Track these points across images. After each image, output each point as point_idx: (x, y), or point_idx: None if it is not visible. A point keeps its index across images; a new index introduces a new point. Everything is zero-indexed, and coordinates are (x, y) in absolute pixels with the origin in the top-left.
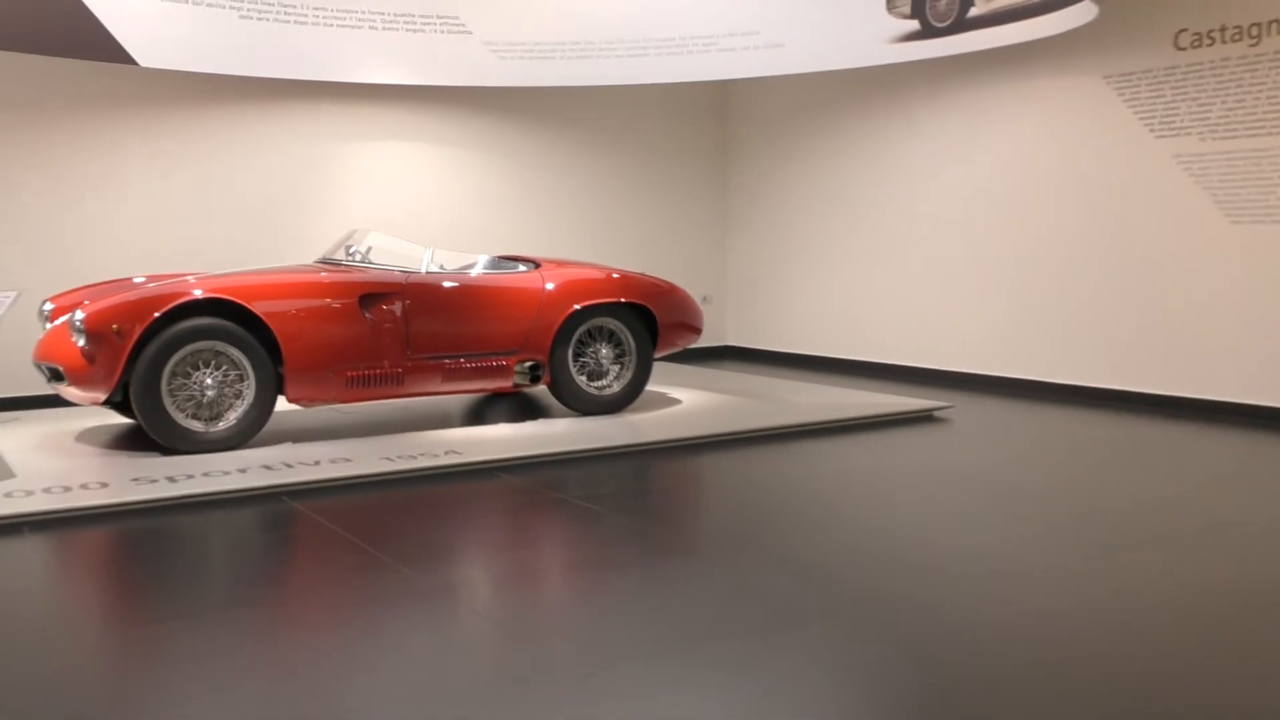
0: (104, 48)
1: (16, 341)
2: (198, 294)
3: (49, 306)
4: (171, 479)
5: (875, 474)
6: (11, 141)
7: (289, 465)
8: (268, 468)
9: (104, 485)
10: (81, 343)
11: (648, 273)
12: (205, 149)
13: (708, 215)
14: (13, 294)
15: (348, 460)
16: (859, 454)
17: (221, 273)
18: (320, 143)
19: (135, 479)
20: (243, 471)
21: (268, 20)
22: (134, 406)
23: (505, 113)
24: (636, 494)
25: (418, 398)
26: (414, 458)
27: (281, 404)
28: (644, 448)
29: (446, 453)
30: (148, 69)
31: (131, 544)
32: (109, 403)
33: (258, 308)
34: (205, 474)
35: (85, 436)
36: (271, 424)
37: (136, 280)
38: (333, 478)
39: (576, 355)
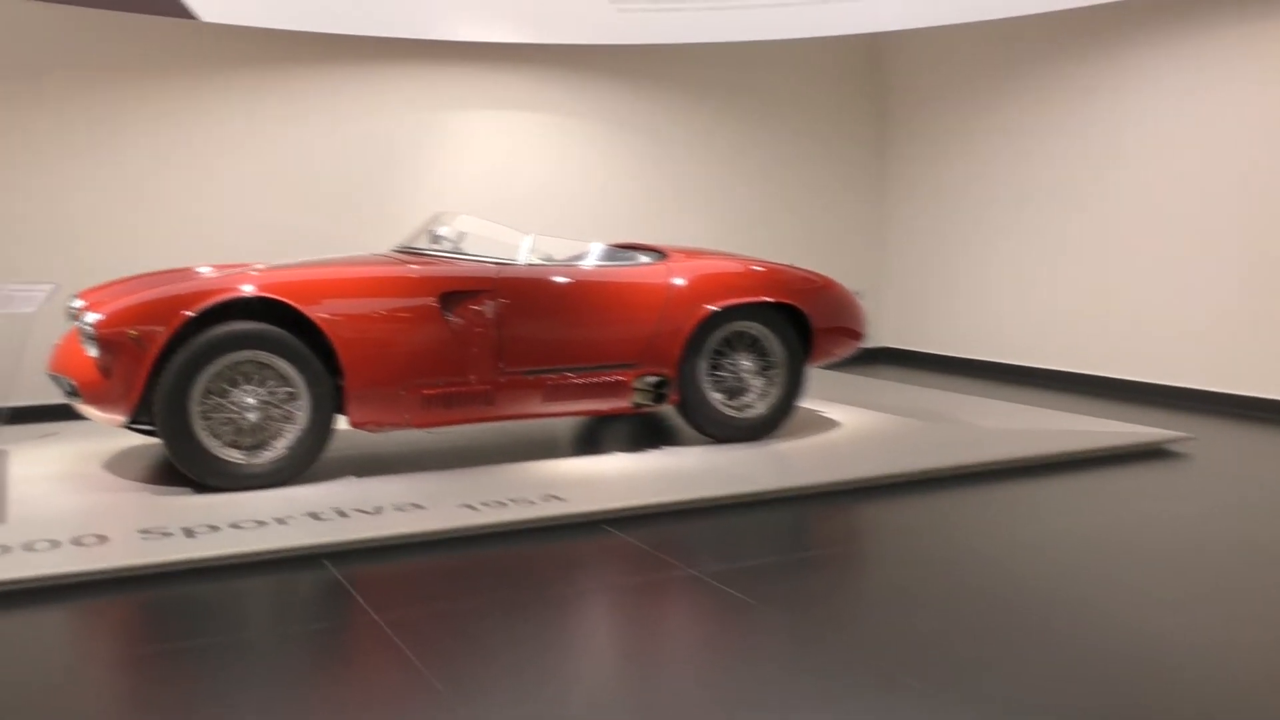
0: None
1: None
2: (240, 291)
3: (78, 304)
4: (189, 532)
5: (1128, 545)
6: (50, 109)
7: (342, 514)
8: (314, 516)
9: (101, 540)
10: (94, 351)
11: (796, 265)
12: (276, 118)
13: (862, 195)
14: (48, 287)
15: (418, 507)
16: (1091, 507)
17: (281, 264)
18: (411, 112)
19: (144, 530)
20: (282, 523)
21: None
22: (158, 431)
23: (624, 76)
24: (796, 569)
25: (514, 421)
26: (502, 505)
27: (343, 425)
28: (800, 493)
29: (544, 498)
30: (210, 25)
31: (98, 635)
32: (135, 425)
33: (312, 310)
34: (234, 525)
35: (118, 462)
36: (332, 449)
37: (201, 271)
38: (395, 535)
39: (712, 368)
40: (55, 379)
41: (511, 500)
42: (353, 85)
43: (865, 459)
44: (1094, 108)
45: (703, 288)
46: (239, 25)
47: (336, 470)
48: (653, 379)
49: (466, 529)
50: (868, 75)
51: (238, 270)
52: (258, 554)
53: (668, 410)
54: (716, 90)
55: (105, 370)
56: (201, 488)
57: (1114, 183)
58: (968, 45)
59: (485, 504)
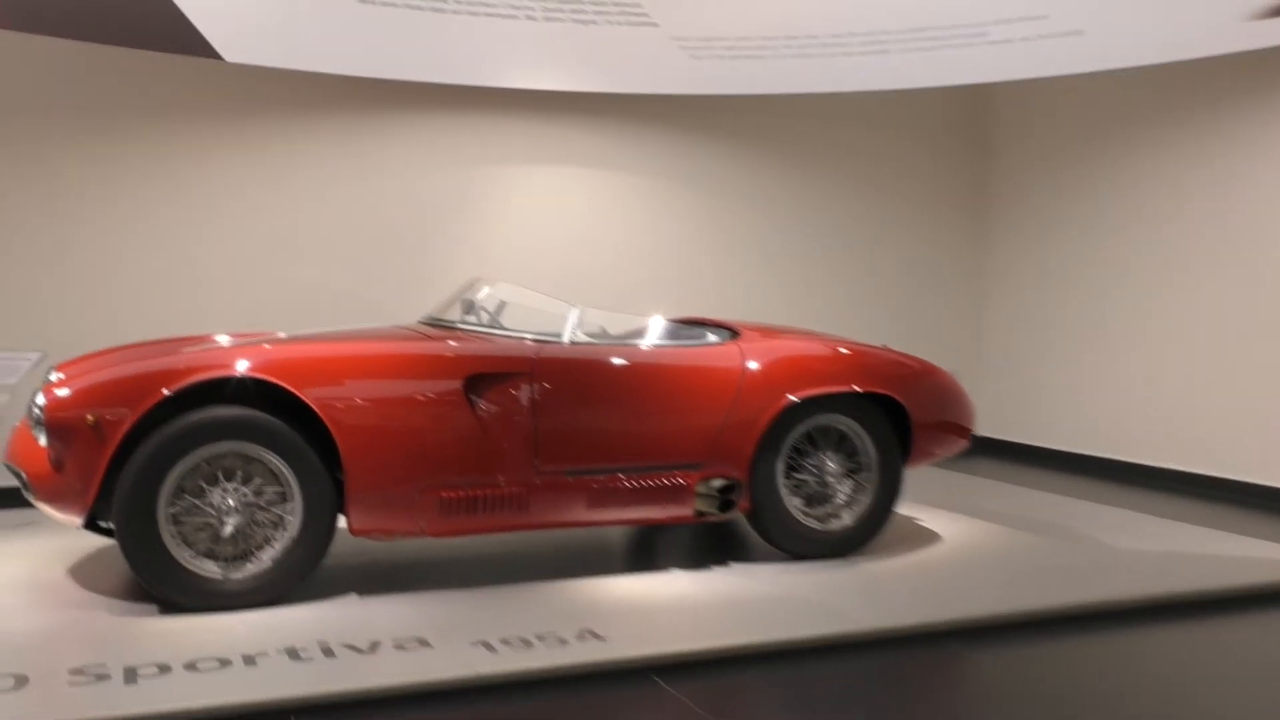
0: (177, 34)
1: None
2: (220, 369)
3: (55, 376)
4: (130, 674)
5: None
6: (59, 153)
7: (328, 651)
8: (293, 654)
9: (18, 683)
10: (44, 440)
11: (890, 346)
12: (304, 169)
13: (957, 268)
14: (33, 356)
15: (423, 644)
16: None
17: (302, 334)
18: (454, 165)
19: (76, 670)
20: (251, 662)
21: (395, 6)
22: (117, 537)
23: (694, 130)
24: None
25: (552, 529)
26: (527, 644)
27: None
28: (899, 635)
29: (580, 634)
30: (234, 65)
31: None
32: (93, 527)
33: (309, 393)
34: (189, 664)
35: (90, 564)
36: (334, 553)
37: (220, 340)
38: (385, 688)
39: (790, 470)
40: (10, 469)
41: (539, 638)
42: (389, 135)
43: (980, 589)
44: (1236, 169)
45: (781, 374)
46: (265, 67)
47: (334, 584)
48: (720, 482)
49: (478, 680)
50: (968, 134)
51: (246, 341)
52: (205, 711)
53: (737, 519)
54: (798, 148)
55: (57, 462)
56: (171, 605)
57: (1261, 259)
58: (1099, 95)
59: (506, 642)
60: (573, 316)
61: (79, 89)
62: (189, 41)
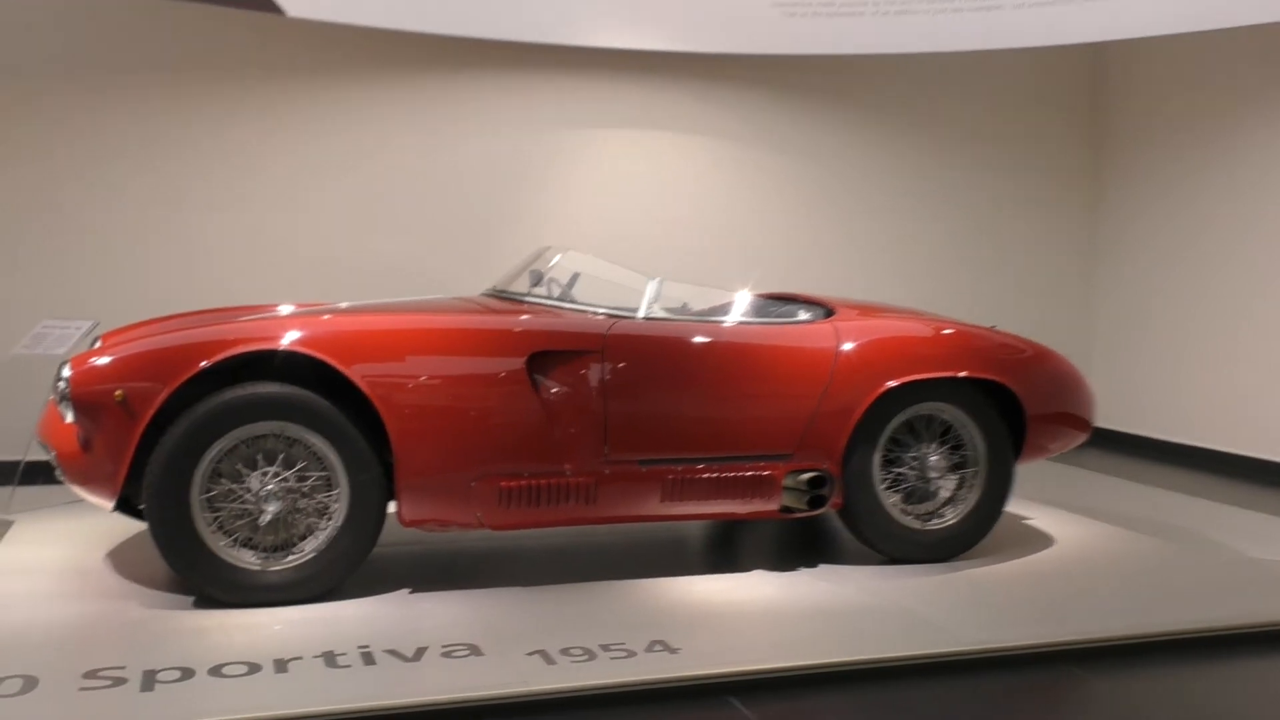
0: None
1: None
2: (263, 343)
3: (99, 345)
4: (148, 680)
5: None
6: (114, 116)
7: (368, 658)
8: (330, 659)
9: (27, 685)
10: (70, 416)
11: (997, 326)
12: (370, 133)
13: (1067, 244)
14: (86, 324)
15: (474, 651)
16: None
17: (362, 305)
18: (529, 129)
19: (90, 673)
20: (282, 668)
21: None
22: (147, 523)
23: (787, 92)
24: None
25: (623, 524)
26: (589, 655)
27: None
28: (1012, 655)
29: (649, 646)
30: (296, 20)
31: None
32: (128, 510)
33: (356, 370)
34: (214, 668)
35: (130, 548)
36: (384, 544)
37: (280, 310)
38: (423, 704)
39: (888, 463)
40: (43, 446)
41: (603, 648)
42: (458, 96)
43: (1103, 604)
44: None
45: (880, 356)
46: (329, 22)
47: (382, 579)
48: (809, 475)
49: (530, 696)
50: (1083, 98)
51: (302, 312)
52: None
53: (828, 516)
54: (891, 114)
55: (84, 441)
56: (207, 599)
57: None
58: (1207, 62)
59: (566, 652)
60: (650, 290)
61: (136, 46)
62: None
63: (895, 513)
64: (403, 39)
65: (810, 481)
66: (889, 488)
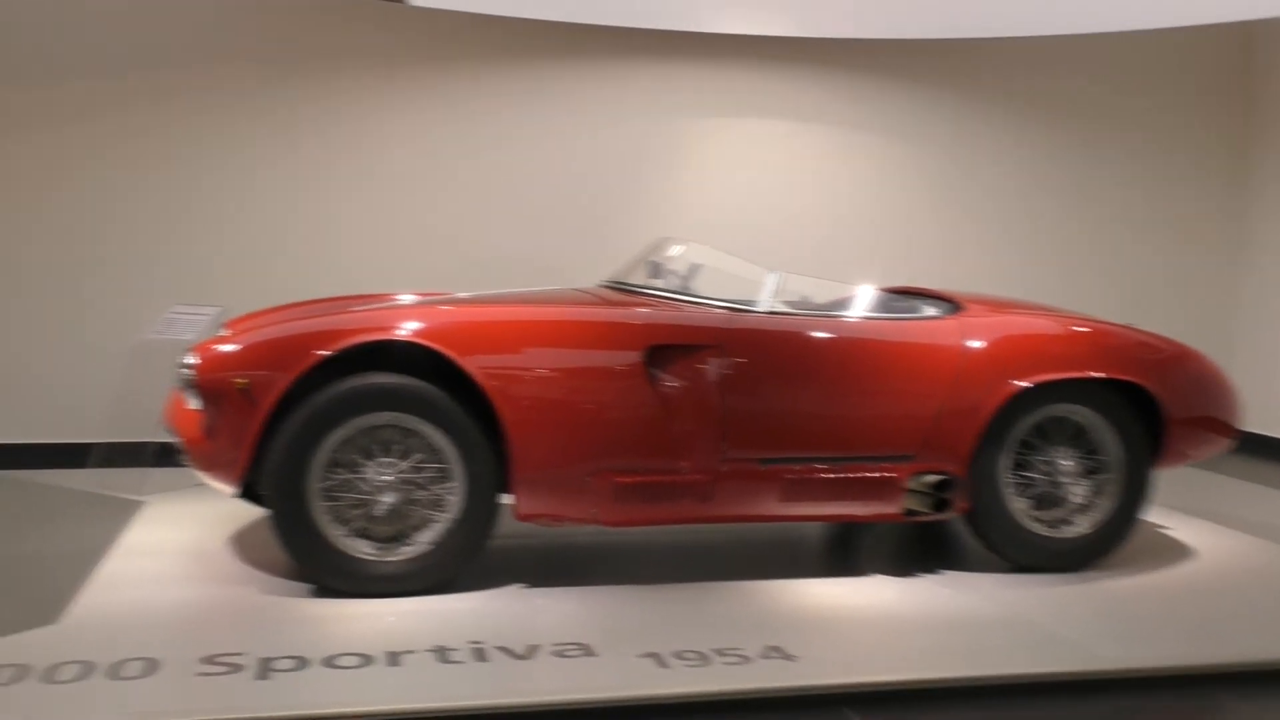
0: None
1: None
2: (379, 333)
3: (224, 334)
4: (264, 667)
5: None
6: (233, 107)
7: (480, 654)
8: (441, 654)
9: (148, 668)
10: (194, 403)
11: (1133, 325)
12: (489, 123)
13: (1209, 237)
14: (212, 310)
15: (585, 651)
16: None
17: (482, 295)
18: (644, 118)
19: (208, 659)
20: (394, 661)
21: None
22: (268, 511)
23: (912, 79)
24: None
25: (739, 524)
26: (702, 659)
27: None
28: (1151, 676)
29: (764, 651)
30: (418, 10)
31: None
32: (253, 497)
33: (472, 361)
34: (327, 659)
35: (256, 535)
36: (498, 539)
37: (401, 299)
38: (533, 705)
39: (1017, 466)
40: (170, 431)
41: (716, 652)
42: (581, 85)
43: (1251, 623)
44: None
45: (1009, 355)
46: (450, 10)
47: (495, 573)
48: (934, 478)
49: (639, 702)
50: (1228, 81)
51: (421, 302)
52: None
53: (952, 520)
54: (1021, 101)
55: (208, 428)
56: (324, 587)
57: None
58: None
59: (679, 655)
60: (771, 283)
61: (262, 39)
62: None
63: (1024, 518)
64: (522, 27)
65: (935, 484)
66: (1018, 493)
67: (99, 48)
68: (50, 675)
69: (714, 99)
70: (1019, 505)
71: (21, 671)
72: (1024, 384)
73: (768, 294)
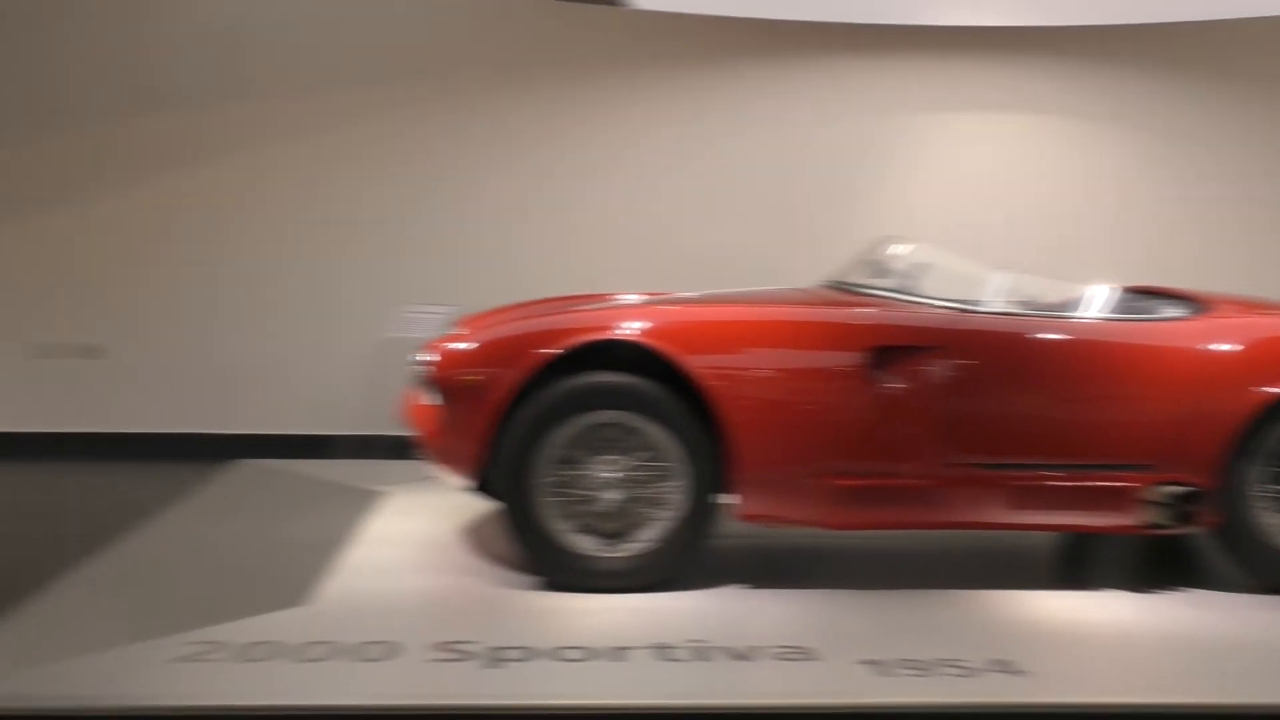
0: None
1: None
2: (601, 332)
3: (454, 331)
4: (494, 656)
5: None
6: (461, 111)
7: (701, 653)
8: (662, 651)
9: (389, 651)
10: (429, 398)
11: None
12: (707, 122)
13: None
14: (446, 309)
15: (805, 655)
16: None
17: (703, 295)
18: (862, 113)
19: (442, 645)
20: (618, 656)
21: None
22: (499, 506)
23: (1152, 65)
24: None
25: (962, 531)
26: (923, 669)
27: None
28: None
29: (990, 664)
30: (640, 12)
31: None
32: (483, 490)
33: (692, 361)
34: (553, 651)
35: (487, 527)
36: (714, 544)
37: (624, 299)
38: (752, 708)
39: (1274, 479)
40: (406, 426)
41: (942, 662)
42: (794, 81)
43: None
44: None
45: (1260, 359)
46: (670, 13)
47: (715, 573)
48: (1177, 489)
49: (860, 710)
50: None
51: (643, 302)
52: (550, 711)
53: (1199, 535)
54: (1269, 85)
55: (442, 423)
56: (549, 581)
57: None
58: None
59: (901, 664)
60: (998, 282)
61: (487, 45)
62: None
63: (1277, 536)
64: (740, 25)
65: (1179, 496)
66: (1273, 508)
67: (346, 62)
68: (300, 654)
69: (936, 94)
70: (1273, 521)
71: (275, 649)
72: (1276, 390)
73: (995, 294)
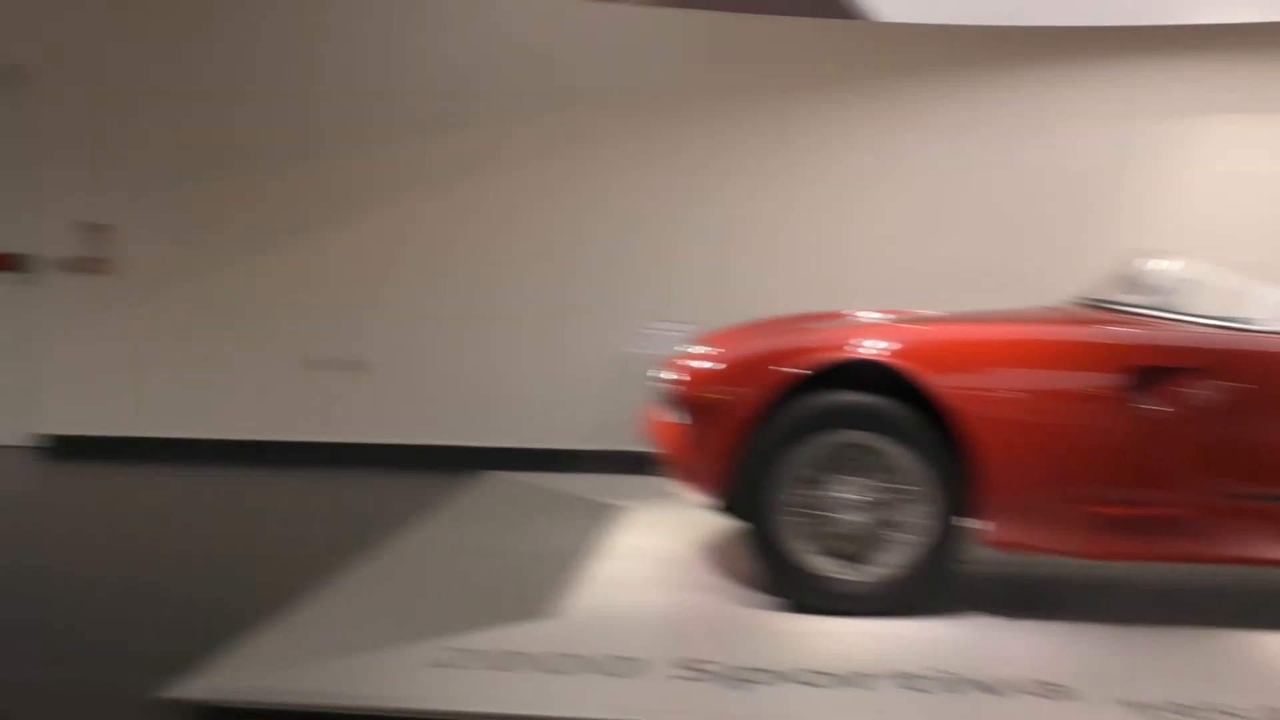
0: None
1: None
2: (841, 352)
3: (692, 350)
4: (736, 676)
5: None
6: (706, 132)
7: (950, 685)
8: (907, 680)
9: (631, 667)
10: (672, 415)
11: None
12: (951, 130)
13: None
14: (685, 326)
15: (1060, 693)
16: None
17: (927, 315)
18: (1131, 121)
19: (684, 663)
20: (864, 684)
21: None
22: (740, 525)
23: None
24: None
25: (1234, 565)
26: (1187, 714)
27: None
28: None
29: (1267, 715)
30: (882, 25)
31: None
32: (725, 508)
33: (938, 381)
34: (795, 673)
35: (727, 545)
36: (961, 570)
37: (861, 317)
38: None
39: None
40: (648, 442)
41: (1211, 708)
42: (1046, 89)
43: None
44: None
45: None
46: (915, 24)
47: (961, 600)
48: None
49: None
50: None
51: (881, 320)
52: None
53: None
54: None
55: (685, 441)
56: (790, 602)
57: None
58: None
59: (1169, 707)
60: (1274, 299)
61: (727, 63)
62: (836, 3)
63: None
64: (984, 33)
65: None
66: None
67: (595, 84)
68: (548, 664)
69: (1202, 97)
70: None
71: (524, 659)
72: None
73: (1270, 312)
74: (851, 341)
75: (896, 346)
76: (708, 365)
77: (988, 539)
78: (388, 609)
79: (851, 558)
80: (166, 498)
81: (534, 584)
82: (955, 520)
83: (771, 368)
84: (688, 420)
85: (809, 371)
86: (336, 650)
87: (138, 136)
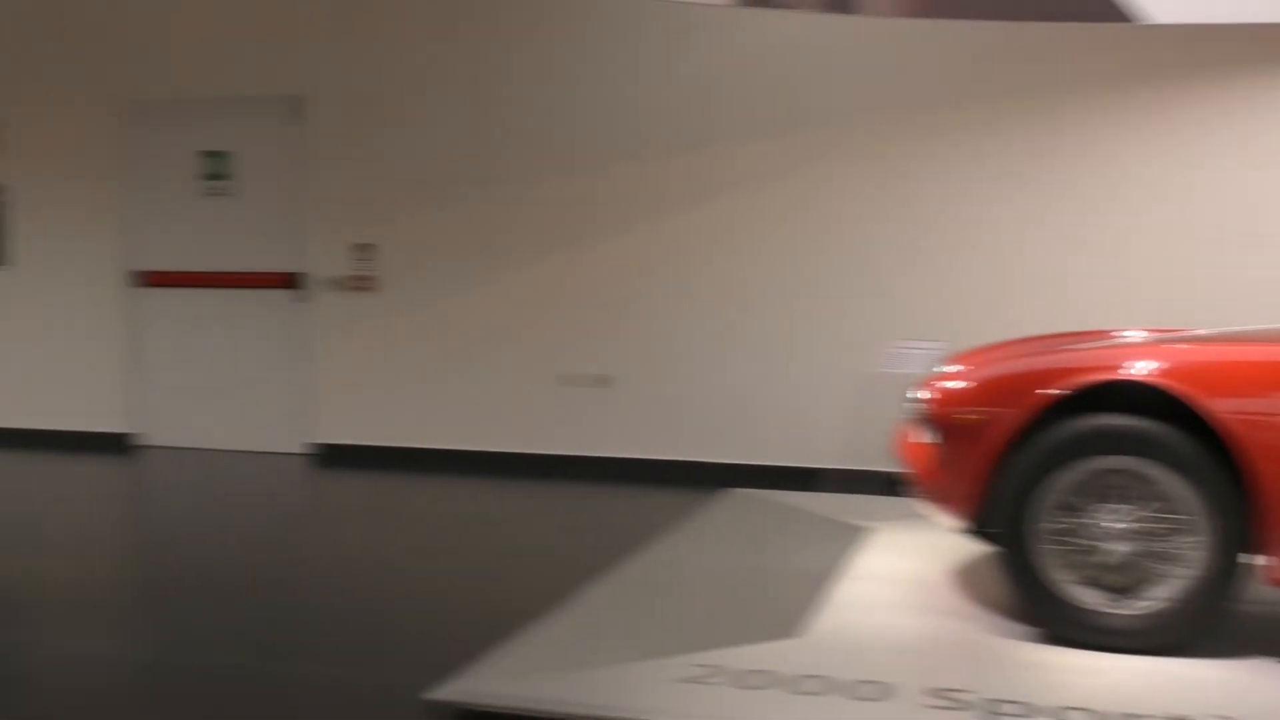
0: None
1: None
2: (1112, 373)
3: (944, 369)
4: (994, 707)
5: None
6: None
7: None
8: None
9: (882, 693)
10: (923, 436)
11: None
12: (1238, 137)
13: None
14: (937, 345)
15: None
16: None
17: (1201, 334)
18: None
19: (936, 691)
20: None
21: None
22: (995, 551)
23: None
24: None
25: None
26: None
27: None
28: None
29: None
30: (1150, 28)
31: None
32: (985, 534)
33: (1216, 405)
34: (1057, 710)
35: (977, 570)
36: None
37: (1127, 336)
38: None
39: None
40: (899, 462)
41: None
42: None
43: None
44: None
45: None
46: (1186, 25)
47: (1239, 641)
48: None
49: None
50: None
51: (1149, 340)
52: None
53: None
54: None
55: (937, 461)
56: (1047, 634)
57: None
58: None
59: None
60: None
61: (991, 71)
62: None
63: None
64: (1261, 33)
65: None
66: None
67: (851, 98)
68: (795, 685)
69: None
70: None
71: (771, 678)
72: None
73: None
74: (1118, 362)
75: (1168, 367)
76: (962, 384)
77: (1270, 576)
78: (636, 623)
79: (1117, 590)
80: (423, 506)
81: (779, 603)
82: (1233, 555)
83: (1032, 388)
84: (941, 441)
85: (1070, 392)
86: (588, 661)
87: (400, 160)
